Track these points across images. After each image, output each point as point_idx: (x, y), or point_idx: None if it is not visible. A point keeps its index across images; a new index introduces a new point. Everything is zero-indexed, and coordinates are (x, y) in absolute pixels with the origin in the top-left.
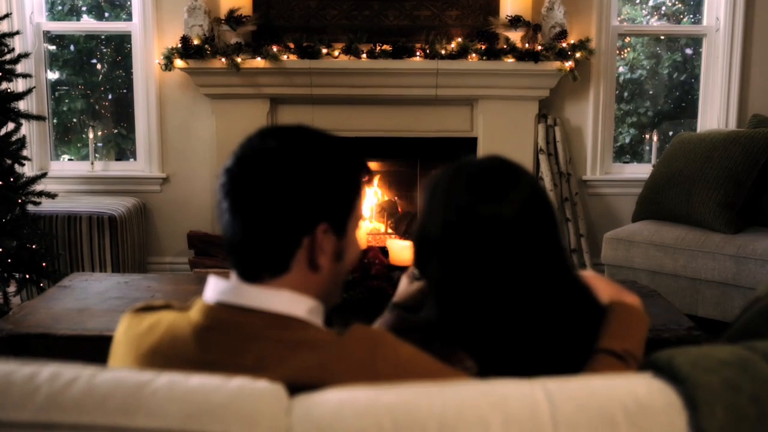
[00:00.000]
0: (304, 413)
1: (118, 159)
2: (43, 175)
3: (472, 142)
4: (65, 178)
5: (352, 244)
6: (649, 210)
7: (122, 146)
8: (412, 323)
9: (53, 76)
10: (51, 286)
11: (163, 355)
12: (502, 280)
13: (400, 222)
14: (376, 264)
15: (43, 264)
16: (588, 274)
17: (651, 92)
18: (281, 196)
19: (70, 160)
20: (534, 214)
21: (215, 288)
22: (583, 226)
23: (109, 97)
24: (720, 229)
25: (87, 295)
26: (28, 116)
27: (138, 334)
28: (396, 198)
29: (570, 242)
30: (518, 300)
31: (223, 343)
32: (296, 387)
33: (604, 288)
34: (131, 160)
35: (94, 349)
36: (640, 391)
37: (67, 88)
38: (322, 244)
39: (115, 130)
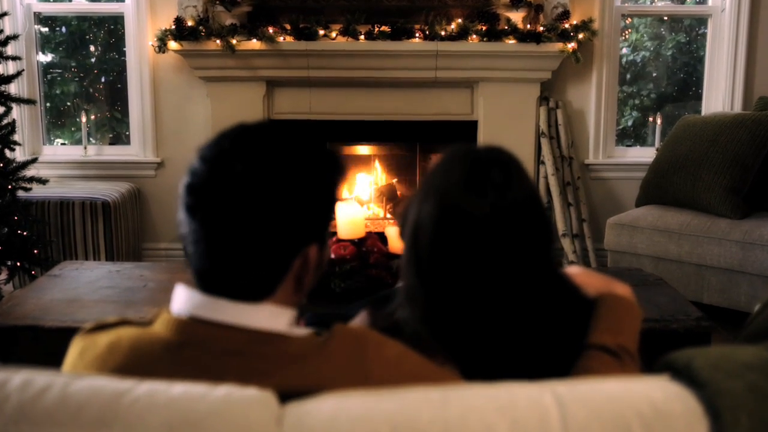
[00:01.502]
0: (296, 422)
1: (113, 143)
2: (34, 161)
3: (472, 126)
4: (58, 163)
5: (328, 246)
6: (653, 195)
7: (117, 130)
8: (389, 321)
9: (45, 58)
10: (43, 273)
11: (131, 375)
12: (489, 281)
13: (399, 206)
14: (374, 252)
15: (35, 251)
16: (574, 271)
17: (654, 74)
18: (267, 225)
19: (62, 144)
20: (527, 214)
21: (188, 300)
22: (585, 210)
23: (102, 80)
24: (726, 214)
25: (77, 284)
26: (19, 100)
27: (97, 356)
28: (395, 182)
29: (572, 227)
30: (504, 302)
31: (198, 361)
32: (286, 398)
33: (590, 282)
34: (126, 144)
35: None
36: (656, 396)
37: (60, 71)
38: (311, 264)
39: (110, 114)
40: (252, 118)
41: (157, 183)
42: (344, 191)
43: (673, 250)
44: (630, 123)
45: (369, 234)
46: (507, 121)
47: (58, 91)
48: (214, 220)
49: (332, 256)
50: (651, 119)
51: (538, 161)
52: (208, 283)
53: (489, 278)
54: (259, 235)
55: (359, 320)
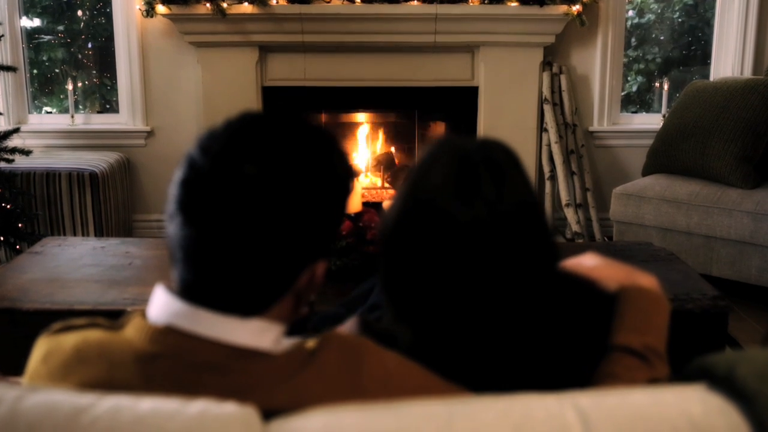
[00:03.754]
0: None
1: (103, 111)
2: (15, 131)
3: (472, 92)
4: (44, 133)
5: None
6: (660, 163)
7: (107, 98)
8: (381, 330)
9: (30, 23)
10: (29, 248)
11: (99, 388)
12: (478, 291)
13: (397, 175)
14: (371, 228)
15: (20, 225)
16: (589, 262)
17: (661, 38)
18: (277, 237)
19: (48, 113)
20: (520, 223)
21: (166, 307)
22: (590, 179)
23: (89, 45)
24: (737, 183)
25: (59, 262)
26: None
27: (62, 362)
28: (393, 150)
29: (575, 197)
30: (501, 311)
31: (172, 375)
32: (270, 416)
33: (610, 274)
34: (116, 113)
35: None
36: (694, 409)
37: (50, 36)
38: (318, 280)
39: (99, 81)
40: (244, 85)
41: (147, 153)
42: None
43: (681, 221)
44: (635, 88)
45: (366, 209)
46: (509, 87)
47: (44, 58)
48: (214, 226)
49: None
50: (657, 85)
51: (541, 128)
52: (193, 293)
53: (478, 288)
54: (267, 248)
55: (348, 327)
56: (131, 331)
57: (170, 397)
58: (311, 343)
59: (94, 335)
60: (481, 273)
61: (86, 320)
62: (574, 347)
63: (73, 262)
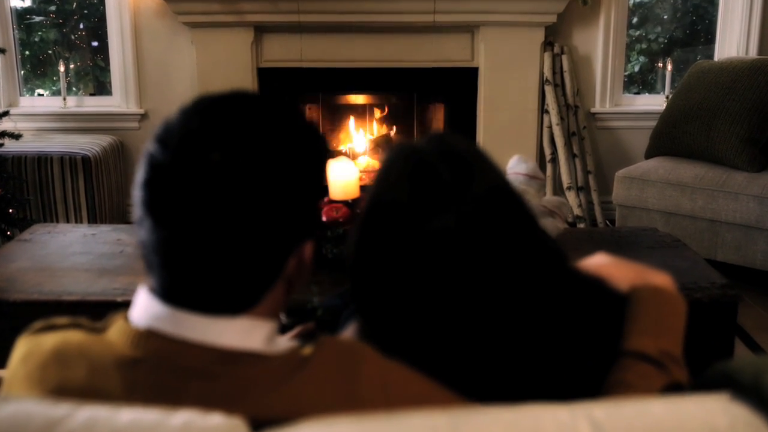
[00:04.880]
0: None
1: (97, 93)
2: (6, 114)
3: (472, 73)
4: (35, 116)
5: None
6: (664, 146)
7: (101, 79)
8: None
9: (21, 3)
10: (18, 235)
11: (77, 393)
12: (472, 295)
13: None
14: None
15: (11, 211)
16: (598, 261)
17: (664, 17)
18: (255, 226)
19: (40, 95)
20: (497, 200)
21: (147, 310)
22: (591, 162)
23: (82, 26)
24: (743, 166)
25: (48, 250)
26: None
27: (40, 364)
28: (391, 133)
29: (577, 180)
30: (498, 316)
31: (155, 382)
32: (259, 427)
33: (620, 273)
34: (109, 95)
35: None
36: (718, 421)
37: (41, 17)
38: (307, 263)
39: (92, 63)
40: (239, 67)
41: (141, 136)
42: (338, 143)
43: (685, 205)
44: (636, 69)
45: (364, 194)
46: (509, 68)
47: (36, 39)
48: (186, 224)
49: (323, 218)
50: (660, 65)
51: (542, 110)
52: (175, 296)
53: (460, 295)
54: (248, 238)
55: (349, 333)
56: (113, 333)
57: (153, 406)
58: (307, 349)
59: (75, 337)
60: (460, 277)
61: (68, 320)
62: (582, 353)
63: (62, 250)
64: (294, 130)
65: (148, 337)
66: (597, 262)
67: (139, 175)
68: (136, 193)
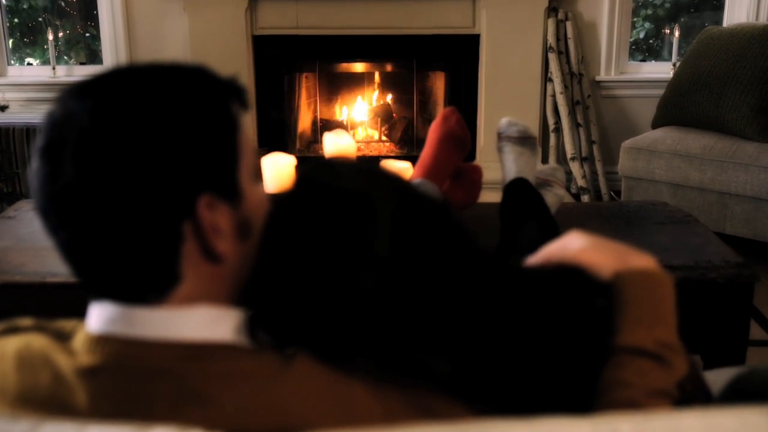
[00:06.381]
0: None
1: (89, 62)
2: None
3: (473, 40)
4: (24, 85)
5: (253, 197)
6: (672, 115)
7: (93, 48)
8: None
9: None
10: (4, 211)
11: (41, 403)
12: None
13: (394, 128)
14: None
15: None
16: (575, 245)
17: None
18: (129, 183)
19: (29, 65)
20: (415, 236)
21: (99, 313)
22: (596, 131)
23: None
24: (753, 137)
25: (33, 228)
26: None
27: (1, 370)
28: (390, 102)
29: (581, 150)
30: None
31: (120, 389)
32: None
33: (599, 259)
34: (100, 64)
35: (34, 299)
36: None
37: None
38: (212, 223)
39: (83, 31)
40: (233, 34)
41: None
42: (336, 113)
43: (694, 177)
44: (642, 35)
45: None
46: (512, 35)
47: (25, 6)
48: (59, 199)
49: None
50: (666, 31)
51: (545, 78)
52: (107, 290)
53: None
54: (126, 210)
55: None
56: (77, 341)
57: (122, 417)
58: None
59: (38, 342)
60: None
61: (32, 322)
62: (566, 356)
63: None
64: (156, 91)
65: (105, 342)
66: (575, 247)
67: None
68: (36, 210)
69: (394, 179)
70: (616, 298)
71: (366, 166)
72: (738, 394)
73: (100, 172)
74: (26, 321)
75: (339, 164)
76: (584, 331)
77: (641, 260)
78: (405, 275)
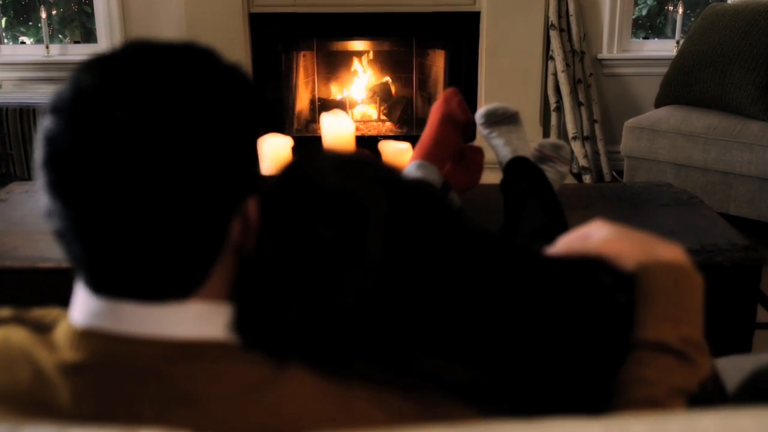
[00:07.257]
0: None
1: (84, 41)
2: None
3: (474, 18)
4: (17, 65)
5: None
6: (675, 94)
7: (88, 26)
8: None
9: None
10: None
11: (22, 401)
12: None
13: (393, 107)
14: None
15: None
16: (599, 234)
17: None
18: (180, 188)
19: (22, 43)
20: (412, 227)
21: (84, 305)
22: (598, 110)
23: None
24: (758, 116)
25: (24, 211)
26: None
27: None
28: (389, 80)
29: (582, 129)
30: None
31: (104, 388)
32: None
33: (624, 249)
34: (94, 43)
35: (25, 285)
36: None
37: None
38: (253, 223)
39: (78, 8)
40: (230, 12)
41: None
42: (334, 92)
43: (697, 157)
44: (645, 12)
45: (360, 147)
46: (512, 12)
47: None
48: (97, 199)
49: None
50: (670, 8)
51: (547, 56)
52: (105, 286)
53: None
54: (172, 206)
55: None
56: (59, 333)
57: (107, 418)
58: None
59: (17, 335)
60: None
61: (10, 313)
62: (585, 351)
63: (40, 211)
64: (210, 72)
65: (89, 337)
66: (597, 237)
67: (38, 155)
68: (39, 179)
69: (382, 170)
70: (640, 290)
71: (348, 157)
72: (756, 393)
73: (163, 158)
74: (4, 312)
75: (320, 158)
76: (602, 328)
77: (670, 251)
78: (404, 275)
